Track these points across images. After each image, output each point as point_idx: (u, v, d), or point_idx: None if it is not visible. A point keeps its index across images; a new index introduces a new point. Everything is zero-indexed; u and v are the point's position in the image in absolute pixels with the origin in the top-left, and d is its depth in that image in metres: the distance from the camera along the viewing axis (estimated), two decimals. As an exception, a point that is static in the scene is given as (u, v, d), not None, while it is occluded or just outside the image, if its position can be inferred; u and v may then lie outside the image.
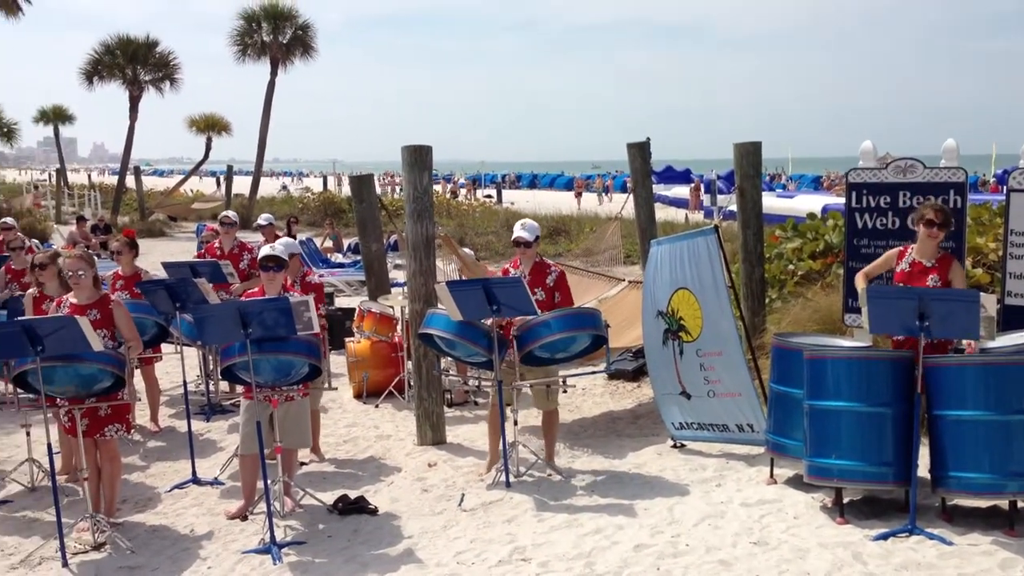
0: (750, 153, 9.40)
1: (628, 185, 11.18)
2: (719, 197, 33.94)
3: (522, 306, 6.60)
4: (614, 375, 9.75)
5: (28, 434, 7.20)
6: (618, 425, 8.48)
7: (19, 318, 6.26)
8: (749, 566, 5.20)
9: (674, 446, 7.58)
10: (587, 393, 9.59)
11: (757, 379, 7.39)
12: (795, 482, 6.43)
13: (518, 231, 7.08)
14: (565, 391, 8.93)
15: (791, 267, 10.40)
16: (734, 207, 11.50)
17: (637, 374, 9.79)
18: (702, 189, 39.72)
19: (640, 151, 10.13)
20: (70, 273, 6.30)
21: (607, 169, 70.69)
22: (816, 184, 50.95)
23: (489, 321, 6.71)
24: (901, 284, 6.21)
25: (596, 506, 6.29)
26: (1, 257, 12.05)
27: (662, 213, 12.58)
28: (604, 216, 28.01)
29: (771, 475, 6.60)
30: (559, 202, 37.28)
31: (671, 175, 50.39)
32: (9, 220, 13.17)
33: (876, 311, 5.75)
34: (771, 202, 20.15)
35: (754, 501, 6.18)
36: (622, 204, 12.76)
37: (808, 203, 25.01)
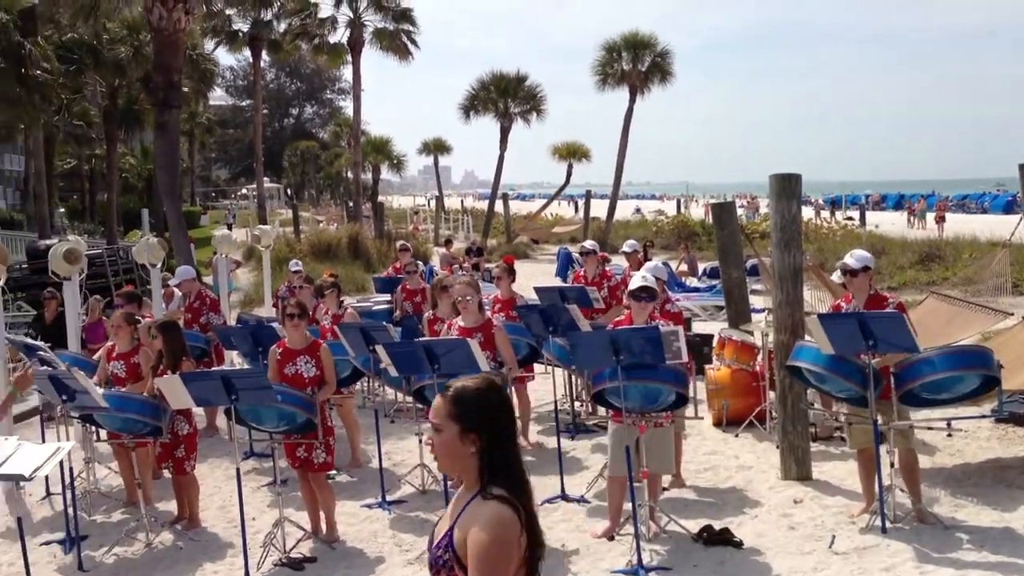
0: None
1: (1020, 205, 10.15)
2: None
3: (902, 341, 6.22)
4: (1003, 419, 8.84)
5: (420, 441, 7.97)
6: (1008, 474, 7.68)
7: (418, 339, 6.98)
8: None
9: (1079, 504, 6.74)
10: (971, 437, 8.78)
11: None
12: None
13: (847, 260, 6.75)
14: (950, 435, 8.29)
15: None
16: None
17: (1031, 419, 8.81)
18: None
19: (1037, 171, 9.16)
20: (459, 298, 6.91)
21: (1011, 188, 64.03)
22: None
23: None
24: None
25: (986, 563, 5.75)
26: (396, 279, 13.50)
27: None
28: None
29: None
30: (930, 225, 34.59)
31: (1066, 193, 44.70)
32: (407, 244, 14.74)
33: None
34: None
35: None
36: (1013, 228, 11.60)
37: None
